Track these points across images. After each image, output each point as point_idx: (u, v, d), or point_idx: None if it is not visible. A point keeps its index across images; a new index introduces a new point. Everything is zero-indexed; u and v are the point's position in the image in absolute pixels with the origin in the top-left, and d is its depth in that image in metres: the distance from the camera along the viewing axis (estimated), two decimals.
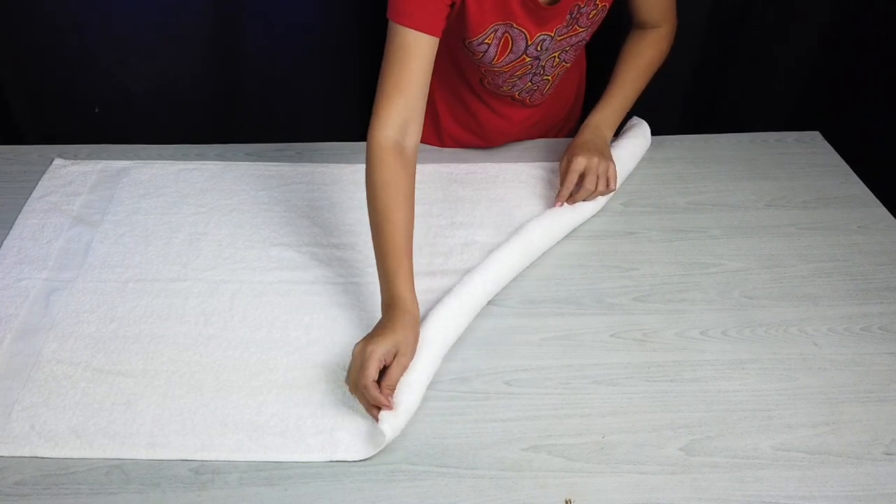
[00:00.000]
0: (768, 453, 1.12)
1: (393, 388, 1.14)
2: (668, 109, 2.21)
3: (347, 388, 1.18)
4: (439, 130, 1.74)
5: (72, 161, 1.66)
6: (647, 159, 1.70)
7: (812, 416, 1.18)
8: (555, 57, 1.56)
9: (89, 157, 1.68)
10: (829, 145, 1.76)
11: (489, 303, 1.34)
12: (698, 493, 1.07)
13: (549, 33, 1.47)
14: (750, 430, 1.15)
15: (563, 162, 1.53)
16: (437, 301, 1.29)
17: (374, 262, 1.40)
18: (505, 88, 1.61)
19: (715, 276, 1.42)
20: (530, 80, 1.60)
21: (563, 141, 1.74)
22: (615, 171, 1.53)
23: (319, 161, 1.68)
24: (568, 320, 1.33)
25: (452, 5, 1.36)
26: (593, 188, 1.50)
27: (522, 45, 1.47)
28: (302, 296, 1.36)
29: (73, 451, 1.10)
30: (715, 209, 1.58)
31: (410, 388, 1.15)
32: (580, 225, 1.53)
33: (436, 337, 1.22)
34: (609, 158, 1.53)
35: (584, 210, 1.53)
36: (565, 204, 1.50)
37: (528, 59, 1.52)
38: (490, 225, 1.51)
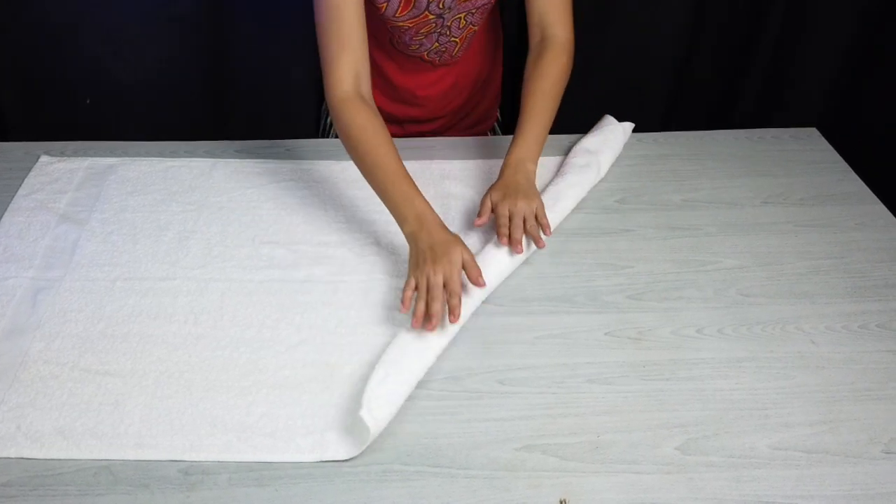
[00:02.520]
0: (765, 452, 1.11)
1: (480, 274, 1.27)
2: (662, 107, 2.21)
3: (411, 309, 1.24)
4: None
5: (58, 158, 1.64)
6: (641, 156, 1.70)
7: (809, 414, 1.17)
8: (460, 18, 1.57)
9: (76, 154, 1.66)
10: (826, 142, 1.75)
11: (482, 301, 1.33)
12: (694, 492, 1.06)
13: None
14: (746, 430, 1.14)
15: (484, 200, 1.44)
16: None
17: (365, 260, 1.41)
18: (413, 48, 1.62)
19: (711, 274, 1.41)
20: (437, 40, 1.61)
21: (553, 137, 1.73)
22: (543, 209, 1.43)
23: (309, 158, 1.67)
24: (562, 318, 1.32)
25: None
26: (520, 234, 1.39)
27: (424, 0, 1.50)
28: (292, 294, 1.35)
29: (60, 452, 1.09)
30: (711, 206, 1.57)
31: (397, 381, 1.14)
32: (574, 223, 1.52)
33: (429, 336, 1.21)
34: (534, 197, 1.43)
35: (574, 195, 1.54)
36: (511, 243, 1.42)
37: (430, 17, 1.54)
38: None
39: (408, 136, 1.79)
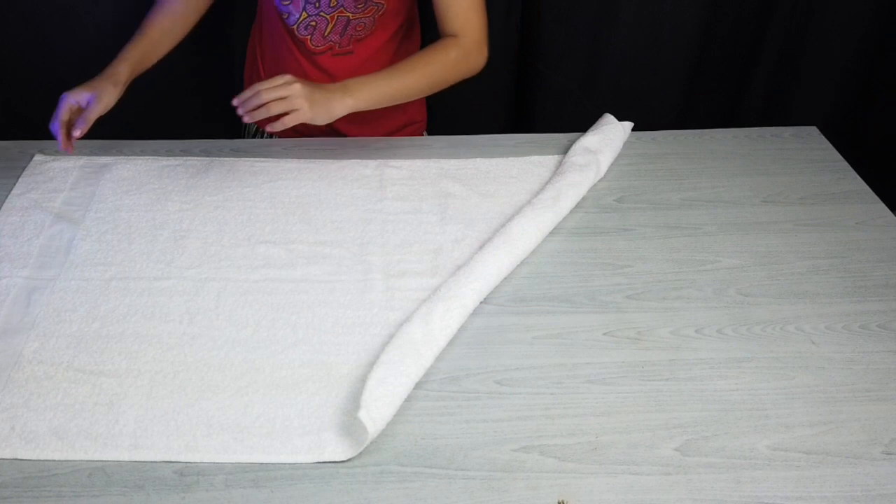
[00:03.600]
0: (765, 453, 1.10)
1: (89, 122, 1.44)
2: (665, 109, 2.21)
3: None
4: None
5: (53, 157, 1.63)
6: (640, 154, 1.69)
7: (809, 415, 1.16)
8: None
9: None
10: (826, 140, 1.75)
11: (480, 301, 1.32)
12: (694, 493, 1.05)
13: None
14: (746, 430, 1.13)
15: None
16: (428, 300, 1.27)
17: (363, 259, 1.40)
18: (284, 16, 1.64)
19: (710, 274, 1.40)
20: (304, 9, 1.62)
21: (553, 136, 1.73)
22: (304, 117, 1.44)
23: (306, 157, 1.66)
24: (560, 318, 1.31)
25: None
26: (268, 99, 1.42)
27: None
28: (289, 294, 1.34)
29: (55, 453, 1.08)
30: (710, 205, 1.56)
31: (394, 383, 1.13)
32: (573, 222, 1.51)
33: (425, 337, 1.20)
34: (316, 108, 1.45)
35: (574, 195, 1.52)
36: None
37: None
38: (482, 220, 1.49)
39: None
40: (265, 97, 1.42)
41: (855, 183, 1.62)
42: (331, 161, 1.64)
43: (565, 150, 1.65)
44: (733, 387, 1.20)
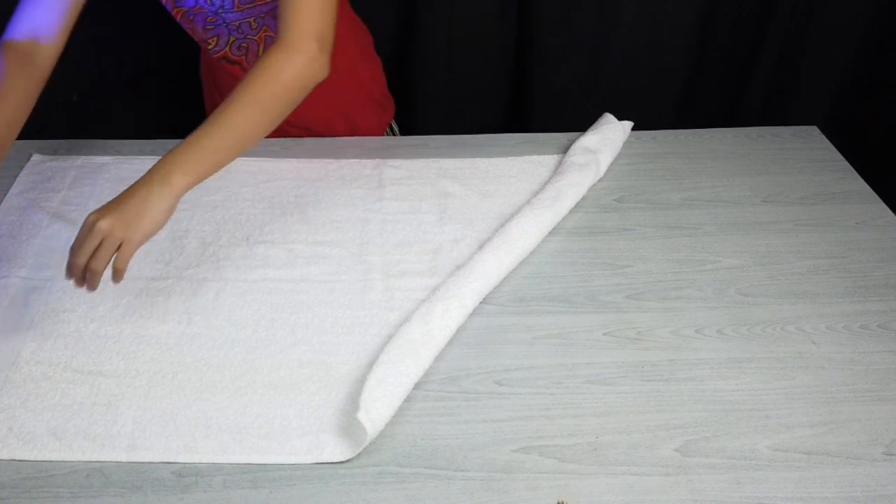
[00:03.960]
0: (766, 454, 1.10)
1: None
2: (665, 109, 2.21)
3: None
4: None
5: (51, 157, 1.63)
6: (640, 154, 1.69)
7: (810, 415, 1.15)
8: (250, 22, 1.55)
9: (69, 152, 1.65)
10: (826, 140, 1.74)
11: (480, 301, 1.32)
12: (694, 494, 1.05)
13: None
14: (747, 431, 1.13)
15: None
16: (427, 300, 1.27)
17: (362, 259, 1.40)
18: (211, 45, 1.60)
19: (710, 274, 1.40)
20: (230, 35, 1.58)
21: (553, 136, 1.73)
22: (131, 247, 1.17)
23: (304, 156, 1.66)
24: (560, 318, 1.31)
25: None
26: (84, 262, 1.16)
27: None
28: (288, 294, 1.34)
29: (53, 454, 1.08)
30: (710, 205, 1.55)
31: (394, 384, 1.13)
32: (572, 222, 1.50)
33: (424, 337, 1.20)
34: (137, 223, 1.17)
35: (574, 194, 1.52)
36: None
37: (205, 9, 1.52)
38: (481, 220, 1.49)
39: None
40: (79, 262, 1.16)
41: (855, 183, 1.61)
42: (330, 161, 1.64)
43: (565, 150, 1.65)
44: (733, 387, 1.20)
